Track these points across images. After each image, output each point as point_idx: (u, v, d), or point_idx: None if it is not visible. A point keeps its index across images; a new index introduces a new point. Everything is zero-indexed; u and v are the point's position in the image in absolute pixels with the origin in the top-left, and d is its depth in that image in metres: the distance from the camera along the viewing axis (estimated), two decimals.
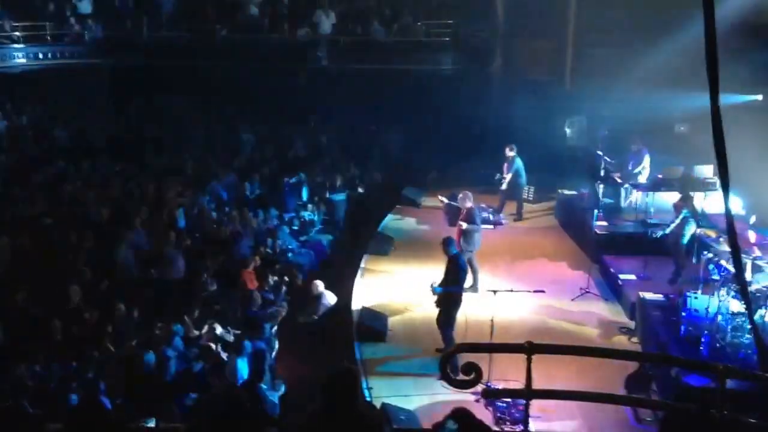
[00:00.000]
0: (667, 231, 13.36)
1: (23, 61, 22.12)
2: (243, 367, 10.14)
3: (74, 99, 22.13)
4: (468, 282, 13.39)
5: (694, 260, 12.96)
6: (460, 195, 14.05)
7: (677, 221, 13.09)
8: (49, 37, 22.46)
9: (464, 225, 13.58)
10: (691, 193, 13.38)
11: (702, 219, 12.91)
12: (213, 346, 10.94)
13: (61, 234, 14.45)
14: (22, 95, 21.78)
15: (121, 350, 10.73)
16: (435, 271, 14.43)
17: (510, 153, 17.45)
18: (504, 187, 17.50)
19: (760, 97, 15.42)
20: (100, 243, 14.15)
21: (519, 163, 17.51)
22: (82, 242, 13.99)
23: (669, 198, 14.91)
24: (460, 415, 4.45)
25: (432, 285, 11.42)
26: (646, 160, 15.68)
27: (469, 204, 13.72)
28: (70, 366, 10.23)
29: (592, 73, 19.22)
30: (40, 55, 22.32)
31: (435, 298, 11.43)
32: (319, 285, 12.78)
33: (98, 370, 10.11)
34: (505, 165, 17.55)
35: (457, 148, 20.35)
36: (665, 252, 13.54)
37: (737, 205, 13.77)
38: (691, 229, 12.87)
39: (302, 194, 17.72)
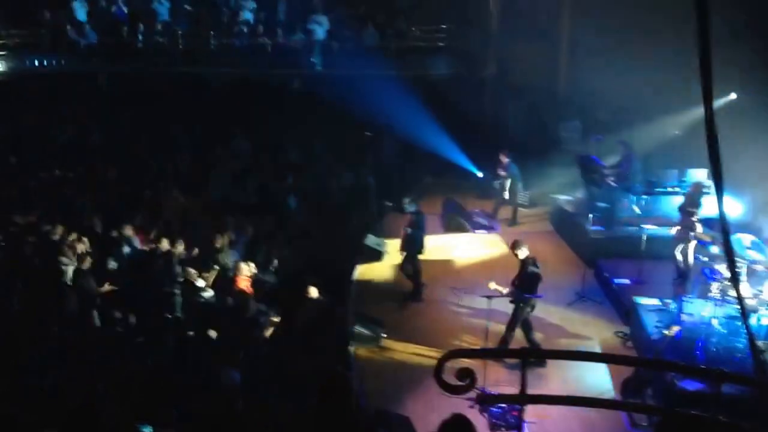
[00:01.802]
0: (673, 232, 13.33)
1: (19, 68, 22.11)
2: (237, 374, 10.11)
3: (70, 106, 22.12)
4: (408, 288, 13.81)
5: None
6: (406, 200, 14.36)
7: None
8: (44, 45, 22.44)
9: (409, 230, 13.92)
10: (700, 200, 13.34)
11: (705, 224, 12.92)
12: (209, 352, 10.91)
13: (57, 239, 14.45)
14: (18, 102, 21.72)
15: (116, 357, 10.70)
16: (430, 277, 14.54)
17: (504, 159, 17.51)
18: (507, 195, 17.59)
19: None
20: (95, 249, 14.14)
21: (514, 168, 17.56)
22: (78, 247, 13.97)
23: (663, 202, 14.94)
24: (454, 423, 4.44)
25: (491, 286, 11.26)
26: (635, 165, 15.70)
27: (413, 209, 14.13)
28: (66, 372, 10.20)
29: (587, 78, 19.24)
30: (36, 62, 22.30)
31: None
32: (314, 291, 12.77)
33: (94, 376, 10.08)
34: (500, 170, 17.61)
35: (452, 154, 20.36)
36: (662, 256, 13.55)
37: (737, 210, 13.78)
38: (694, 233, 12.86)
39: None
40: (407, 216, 14.29)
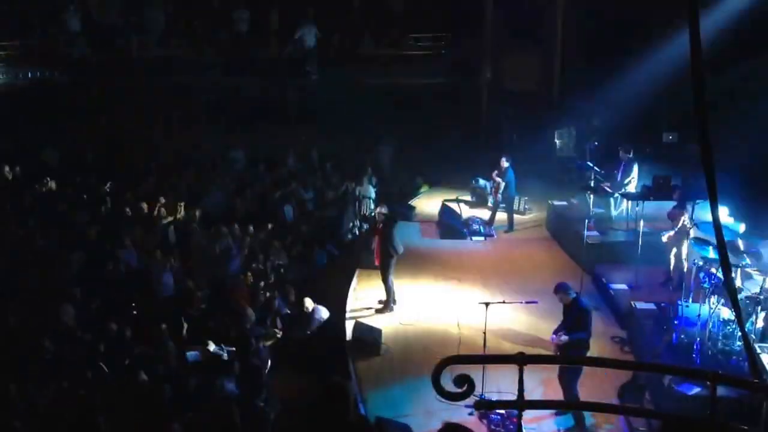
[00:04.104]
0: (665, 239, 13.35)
1: (11, 79, 22.12)
2: (234, 385, 10.13)
3: (63, 117, 22.12)
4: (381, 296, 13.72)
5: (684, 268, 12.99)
6: (378, 209, 14.30)
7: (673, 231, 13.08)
8: (36, 56, 22.45)
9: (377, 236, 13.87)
10: (688, 204, 13.37)
11: (695, 228, 12.94)
12: (206, 363, 10.92)
13: (52, 254, 14.44)
14: (11, 114, 21.71)
15: (114, 370, 10.69)
16: (428, 284, 14.55)
17: (504, 164, 17.48)
18: (499, 198, 17.57)
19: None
20: (91, 262, 14.14)
21: (511, 174, 17.56)
22: (73, 262, 13.97)
23: (659, 207, 14.96)
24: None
25: (558, 335, 10.36)
26: (635, 171, 15.72)
27: (384, 211, 14.04)
28: (63, 386, 10.19)
29: (581, 84, 19.30)
30: (29, 74, 22.31)
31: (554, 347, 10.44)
32: (308, 302, 12.77)
33: (92, 390, 10.08)
34: (495, 175, 17.58)
35: (448, 161, 20.40)
36: (658, 261, 13.57)
37: (724, 214, 13.80)
38: (687, 238, 12.88)
39: None
40: (377, 221, 14.04)
